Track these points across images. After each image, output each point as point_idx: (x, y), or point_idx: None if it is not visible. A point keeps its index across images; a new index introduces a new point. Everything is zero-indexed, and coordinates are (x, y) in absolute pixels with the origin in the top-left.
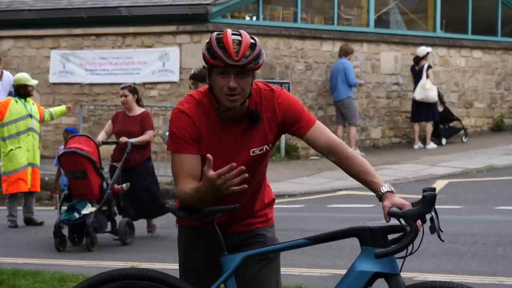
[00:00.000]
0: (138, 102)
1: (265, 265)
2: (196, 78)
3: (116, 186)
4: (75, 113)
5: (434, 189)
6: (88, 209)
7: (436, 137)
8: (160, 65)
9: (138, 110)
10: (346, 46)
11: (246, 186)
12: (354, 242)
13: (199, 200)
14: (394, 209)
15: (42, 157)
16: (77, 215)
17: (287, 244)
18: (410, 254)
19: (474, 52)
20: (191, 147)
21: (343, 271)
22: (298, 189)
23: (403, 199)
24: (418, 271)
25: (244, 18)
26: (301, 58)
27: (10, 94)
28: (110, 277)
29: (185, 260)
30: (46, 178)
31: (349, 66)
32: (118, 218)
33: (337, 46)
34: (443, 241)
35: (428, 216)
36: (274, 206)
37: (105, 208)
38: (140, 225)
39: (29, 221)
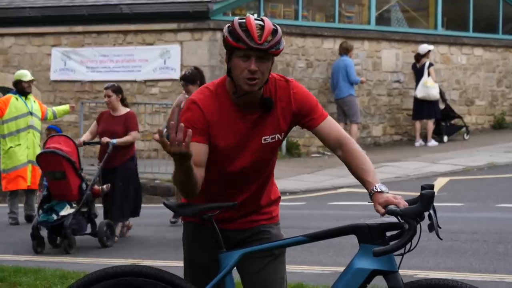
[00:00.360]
0: (123, 101)
1: (270, 262)
2: (187, 79)
3: (96, 187)
4: (76, 111)
5: (432, 186)
6: (67, 211)
7: (437, 135)
8: (161, 62)
9: (122, 110)
10: (346, 43)
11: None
12: (355, 239)
13: (179, 181)
14: (392, 207)
15: None
16: (55, 217)
17: (285, 241)
18: (409, 251)
19: (475, 49)
20: (197, 135)
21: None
22: (299, 186)
23: (404, 198)
24: (419, 269)
25: (245, 15)
26: (302, 56)
27: (10, 91)
28: (105, 275)
29: (189, 256)
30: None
31: (350, 64)
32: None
33: (338, 44)
34: (441, 239)
35: (426, 214)
36: None
37: (84, 209)
38: (139, 221)
39: (30, 219)
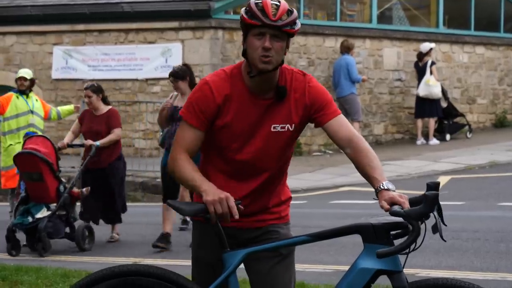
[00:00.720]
0: (105, 100)
1: (279, 262)
2: (177, 75)
3: (75, 190)
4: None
5: (438, 184)
6: (43, 213)
7: (440, 133)
8: (163, 61)
9: (104, 109)
10: (347, 42)
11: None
12: (356, 238)
13: (181, 178)
14: (396, 208)
15: None
16: (30, 219)
17: (288, 241)
18: (413, 250)
19: (477, 48)
20: (197, 119)
21: (346, 267)
22: (300, 185)
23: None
24: (420, 267)
25: None
26: (303, 54)
27: (12, 90)
28: (111, 274)
29: (197, 254)
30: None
31: (351, 62)
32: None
33: (339, 42)
34: (445, 241)
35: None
36: None
37: (63, 212)
38: (141, 220)
39: None
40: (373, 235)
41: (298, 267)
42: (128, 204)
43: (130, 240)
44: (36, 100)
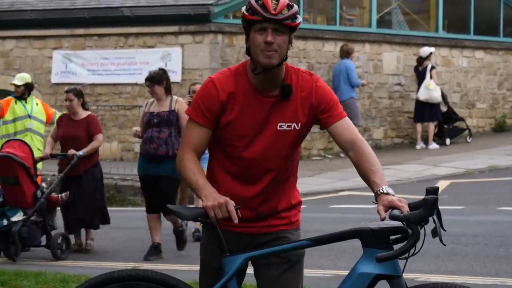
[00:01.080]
0: (84, 105)
1: (288, 268)
2: (153, 80)
3: (53, 195)
4: None
5: (437, 189)
6: (19, 217)
7: (440, 137)
8: (162, 65)
9: (83, 114)
10: (347, 46)
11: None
12: (356, 243)
13: (185, 180)
14: (396, 212)
15: None
16: (5, 222)
17: (288, 246)
18: (413, 255)
19: (476, 52)
20: (203, 117)
21: (346, 272)
22: (300, 189)
23: (406, 201)
24: (420, 272)
25: None
26: (303, 59)
27: (11, 94)
28: (111, 278)
29: (205, 257)
30: (48, 179)
31: (351, 67)
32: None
33: (339, 47)
34: (445, 245)
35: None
36: None
37: (40, 219)
38: (140, 225)
39: None
40: (372, 239)
41: None
42: (128, 208)
43: (129, 244)
44: (37, 104)
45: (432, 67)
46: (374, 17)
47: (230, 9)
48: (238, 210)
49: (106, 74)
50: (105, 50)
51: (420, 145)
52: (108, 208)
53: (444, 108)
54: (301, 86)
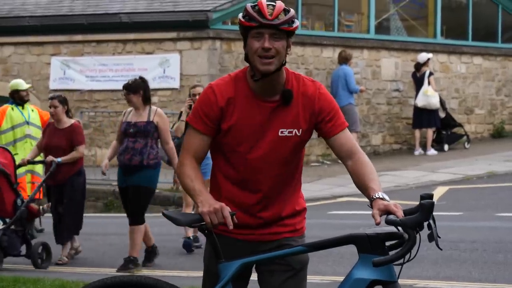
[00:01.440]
0: (68, 113)
1: (291, 276)
2: (129, 88)
3: (33, 205)
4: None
5: (432, 196)
6: None
7: (438, 143)
8: (161, 71)
9: (67, 122)
10: (345, 52)
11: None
12: (354, 248)
13: (183, 186)
14: (392, 217)
15: None
16: None
17: (284, 252)
18: (408, 261)
19: (475, 58)
20: (202, 124)
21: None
22: None
23: (403, 207)
24: (418, 278)
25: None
26: (301, 65)
27: (9, 101)
28: (103, 285)
29: (208, 263)
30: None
31: (349, 73)
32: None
33: (337, 53)
34: (441, 249)
35: (425, 223)
36: None
37: (19, 228)
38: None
39: None
40: (368, 245)
41: None
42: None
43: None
44: (32, 110)
45: (430, 73)
46: (372, 23)
47: (228, 15)
48: (234, 216)
49: (104, 80)
50: (103, 56)
51: (418, 151)
52: (107, 215)
53: (442, 114)
54: (303, 91)
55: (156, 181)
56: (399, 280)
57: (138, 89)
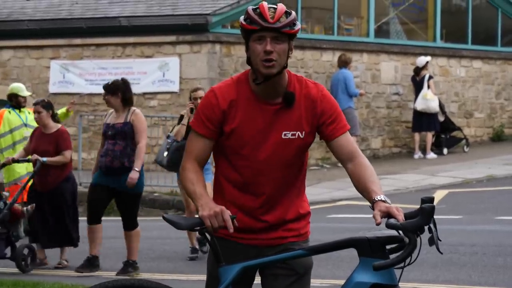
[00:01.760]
0: (54, 117)
1: (295, 281)
2: (107, 89)
3: (17, 207)
4: (75, 123)
5: (432, 199)
6: None
7: (437, 147)
8: (160, 75)
9: (53, 127)
10: (345, 56)
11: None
12: (354, 252)
13: (185, 189)
14: (392, 221)
15: None
16: None
17: (284, 255)
18: (409, 264)
19: (474, 62)
20: (204, 127)
21: (343, 281)
22: None
23: (403, 210)
24: (418, 281)
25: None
26: (301, 68)
27: (6, 105)
28: None
29: (211, 268)
30: None
31: (349, 77)
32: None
33: (337, 56)
34: (441, 253)
35: (426, 227)
36: None
37: (3, 231)
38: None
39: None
40: (368, 249)
41: None
42: None
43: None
44: (29, 113)
45: (430, 77)
46: (372, 26)
47: (227, 19)
48: (234, 219)
49: (103, 84)
50: (102, 60)
51: (418, 154)
52: (105, 218)
53: (441, 118)
54: (305, 93)
55: (142, 183)
56: (399, 283)
57: (116, 91)
